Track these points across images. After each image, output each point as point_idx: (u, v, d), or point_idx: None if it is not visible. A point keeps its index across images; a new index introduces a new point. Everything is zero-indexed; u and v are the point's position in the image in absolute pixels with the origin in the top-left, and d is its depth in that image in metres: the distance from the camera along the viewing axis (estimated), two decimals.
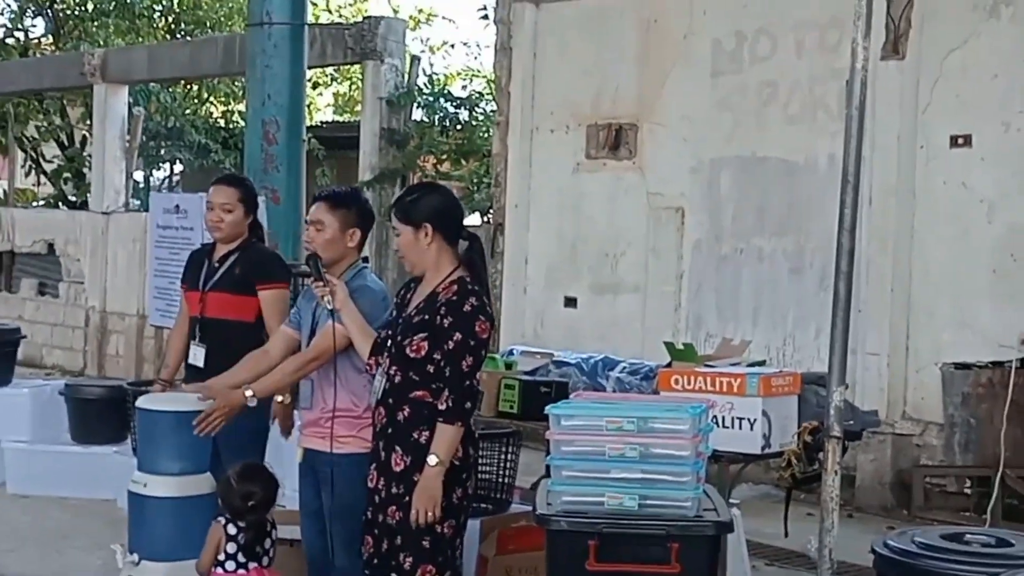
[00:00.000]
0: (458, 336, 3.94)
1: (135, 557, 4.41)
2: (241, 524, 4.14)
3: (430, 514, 3.89)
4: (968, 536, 3.55)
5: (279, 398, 4.97)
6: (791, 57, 8.52)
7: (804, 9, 8.40)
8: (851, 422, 4.65)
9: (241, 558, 4.11)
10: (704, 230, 8.94)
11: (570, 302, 9.74)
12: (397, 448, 4.01)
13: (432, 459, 3.89)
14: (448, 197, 4.24)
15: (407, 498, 3.97)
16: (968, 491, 7.72)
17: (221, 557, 4.11)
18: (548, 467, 3.57)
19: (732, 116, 8.81)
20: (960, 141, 7.82)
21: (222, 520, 4.14)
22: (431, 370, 3.97)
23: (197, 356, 5.20)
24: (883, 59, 7.89)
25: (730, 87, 8.82)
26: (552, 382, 5.30)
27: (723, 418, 4.47)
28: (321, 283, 4.26)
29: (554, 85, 9.92)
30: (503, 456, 5.42)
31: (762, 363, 5.65)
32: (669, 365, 5.13)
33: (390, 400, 4.04)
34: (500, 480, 5.44)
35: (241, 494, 4.21)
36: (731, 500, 4.39)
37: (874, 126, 7.48)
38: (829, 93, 8.24)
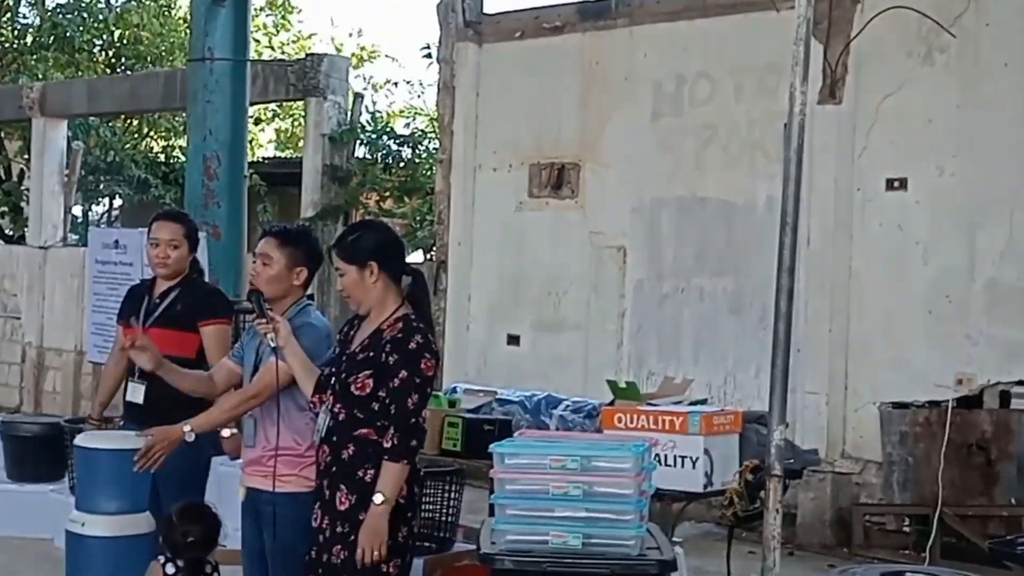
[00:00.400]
0: (404, 374, 3.94)
1: None
2: (180, 563, 4.10)
3: (376, 553, 3.87)
4: (908, 573, 3.60)
5: (225, 433, 4.93)
6: (730, 100, 8.64)
7: (743, 53, 8.53)
8: (791, 460, 4.69)
9: None
10: (645, 269, 9.01)
11: (513, 340, 9.76)
12: (342, 487, 3.99)
13: (378, 497, 3.88)
14: (389, 233, 4.25)
15: (352, 537, 3.95)
16: (907, 529, 7.82)
17: None
18: (492, 505, 3.57)
19: (672, 157, 8.91)
20: (896, 184, 7.97)
21: (161, 559, 4.10)
22: (376, 407, 3.97)
23: (136, 393, 5.15)
24: (820, 103, 8.03)
25: (670, 129, 8.93)
26: (496, 420, 5.30)
27: (665, 456, 4.49)
28: (263, 320, 4.24)
29: (497, 124, 9.98)
30: (446, 494, 5.43)
31: (704, 401, 5.69)
32: (612, 403, 5.15)
33: (334, 438, 4.03)
34: (443, 519, 5.45)
35: (182, 532, 4.17)
36: (674, 538, 4.41)
37: (812, 169, 7.58)
38: (767, 136, 8.37)
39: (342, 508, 3.98)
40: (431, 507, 5.30)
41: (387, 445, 3.91)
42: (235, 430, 4.88)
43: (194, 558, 4.16)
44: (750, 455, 4.75)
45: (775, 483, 3.97)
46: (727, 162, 8.64)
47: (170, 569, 4.09)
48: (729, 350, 8.54)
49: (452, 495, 5.45)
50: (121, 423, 5.47)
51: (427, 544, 5.24)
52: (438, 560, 5.09)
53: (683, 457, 4.52)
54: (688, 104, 8.85)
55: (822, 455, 7.16)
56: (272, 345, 4.21)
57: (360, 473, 3.97)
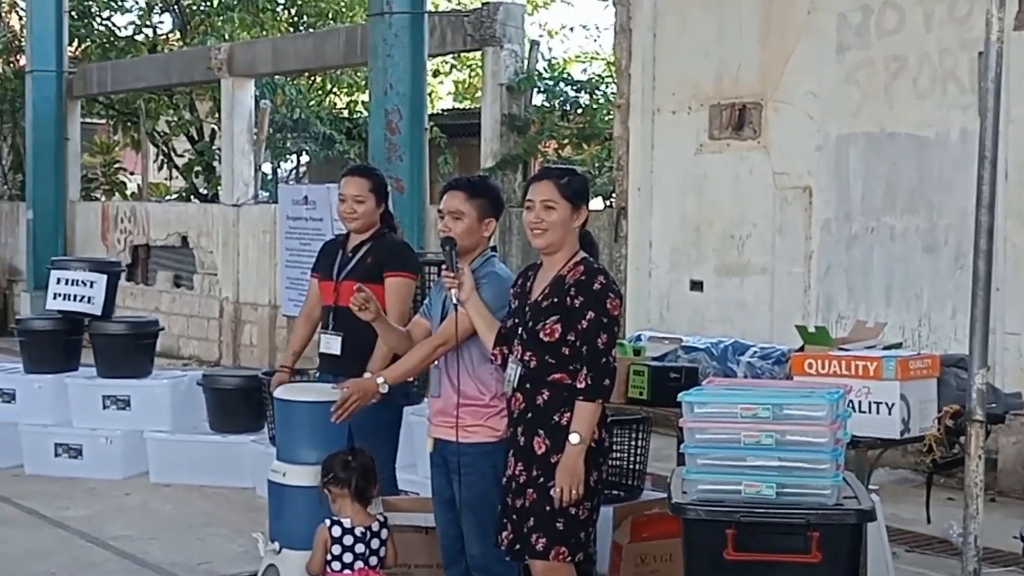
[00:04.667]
0: (591, 315, 3.98)
1: (276, 545, 4.50)
2: (345, 523, 4.17)
3: (573, 492, 3.92)
4: None
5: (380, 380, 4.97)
6: (919, 29, 8.29)
7: None
8: (993, 405, 4.52)
9: (347, 558, 4.16)
10: (832, 209, 8.77)
11: (696, 285, 9.64)
12: (540, 431, 4.04)
13: (574, 437, 3.93)
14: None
15: (542, 480, 4.01)
16: None
17: (328, 558, 4.16)
18: (682, 455, 3.55)
19: (859, 91, 8.61)
20: None
21: (327, 521, 4.19)
22: (567, 352, 4.01)
23: (331, 344, 5.30)
24: (1016, 29, 7.63)
25: (856, 62, 8.63)
26: (682, 368, 5.24)
27: (860, 403, 4.38)
28: (451, 274, 4.30)
29: (675, 65, 9.82)
30: (634, 442, 5.42)
31: (898, 345, 5.51)
32: (801, 349, 5.04)
33: (527, 385, 4.08)
34: (631, 467, 5.44)
35: (342, 460, 4.26)
36: (870, 486, 4.31)
37: (1008, 98, 7.23)
38: (960, 65, 8.01)
39: (539, 452, 4.04)
40: (619, 455, 5.30)
41: (580, 386, 3.96)
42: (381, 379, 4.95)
43: (351, 483, 4.21)
44: (949, 400, 4.60)
45: (977, 428, 3.82)
46: (917, 94, 8.31)
47: (336, 531, 4.17)
48: (923, 291, 8.26)
49: (639, 443, 5.43)
50: (316, 374, 5.64)
51: (615, 492, 5.25)
52: (628, 508, 5.09)
53: (879, 403, 4.40)
54: (875, 35, 8.53)
55: None
56: (455, 301, 4.26)
57: (556, 417, 4.02)
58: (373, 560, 4.21)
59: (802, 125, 8.93)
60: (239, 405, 7.82)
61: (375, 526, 4.24)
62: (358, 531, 4.18)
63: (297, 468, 4.52)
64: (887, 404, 4.38)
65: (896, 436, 4.44)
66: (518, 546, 4.10)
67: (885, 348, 4.96)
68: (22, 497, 7.44)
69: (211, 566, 6.01)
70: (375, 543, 4.22)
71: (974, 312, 3.89)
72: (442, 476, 4.49)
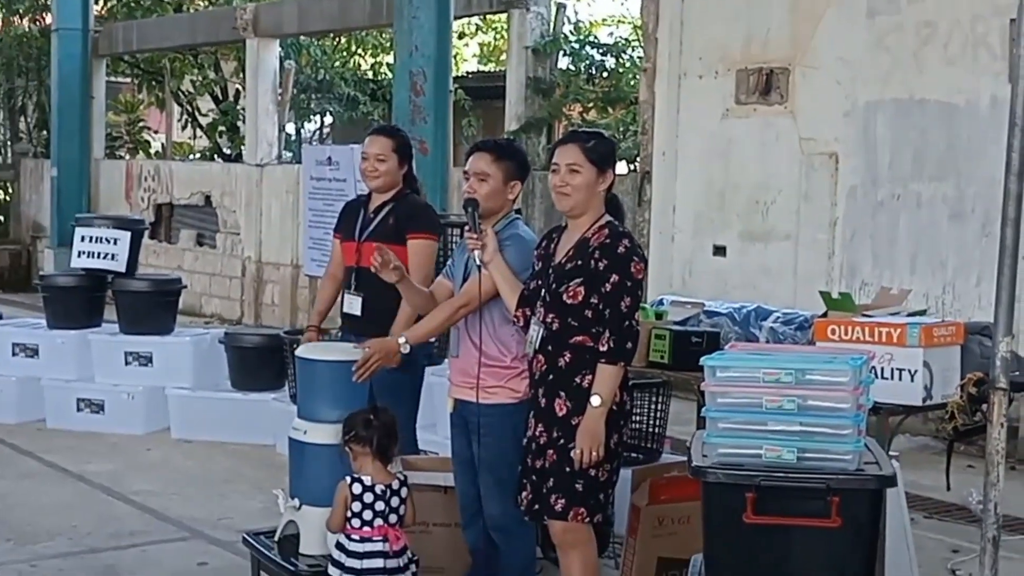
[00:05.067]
0: (615, 278, 3.97)
1: (296, 502, 4.52)
2: (366, 481, 4.19)
3: (594, 454, 3.93)
4: None
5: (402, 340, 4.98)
6: None
7: None
8: (1017, 373, 4.47)
9: (367, 516, 4.17)
10: (859, 176, 8.71)
11: (719, 250, 9.60)
12: (561, 393, 4.05)
13: (595, 399, 3.94)
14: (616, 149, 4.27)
15: (562, 441, 4.02)
16: None
17: (348, 515, 4.18)
18: (702, 418, 3.54)
19: (889, 57, 8.53)
20: None
21: (348, 479, 4.20)
22: (589, 315, 4.01)
23: (353, 305, 5.31)
24: None
25: (887, 27, 8.54)
26: (704, 332, 5.22)
27: (882, 369, 4.36)
28: (474, 235, 4.28)
29: (703, 29, 9.74)
30: (654, 406, 5.42)
31: (923, 312, 5.46)
32: (825, 315, 5.00)
33: (549, 347, 4.07)
34: (651, 430, 5.44)
35: (363, 417, 4.28)
36: (890, 452, 4.29)
37: None
38: (991, 31, 7.92)
39: (560, 414, 4.04)
40: (639, 418, 5.29)
41: (603, 348, 3.96)
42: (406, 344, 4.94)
43: (373, 442, 4.24)
44: (972, 367, 4.57)
45: (1000, 396, 3.79)
46: (948, 60, 8.22)
47: (356, 488, 4.18)
48: (949, 258, 8.20)
49: (660, 407, 5.43)
50: (339, 334, 5.65)
51: (634, 455, 5.25)
52: (646, 470, 5.09)
53: (901, 370, 4.37)
54: (905, 0, 8.43)
55: None
56: (479, 262, 4.26)
57: (578, 379, 4.02)
58: (393, 518, 4.23)
59: (830, 91, 8.85)
60: (261, 363, 7.86)
61: (395, 484, 4.26)
62: (378, 489, 4.19)
63: (318, 426, 4.53)
64: (910, 371, 4.35)
65: (918, 403, 4.41)
66: (537, 506, 4.11)
67: (909, 315, 4.92)
68: (44, 451, 7.51)
69: (231, 521, 6.05)
70: (395, 501, 4.23)
71: (1000, 280, 3.84)
72: (462, 436, 4.50)
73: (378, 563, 4.18)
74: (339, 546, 4.22)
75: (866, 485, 3.30)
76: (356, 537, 4.18)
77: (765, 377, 3.38)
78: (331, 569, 4.22)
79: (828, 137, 8.89)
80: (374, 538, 4.18)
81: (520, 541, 4.44)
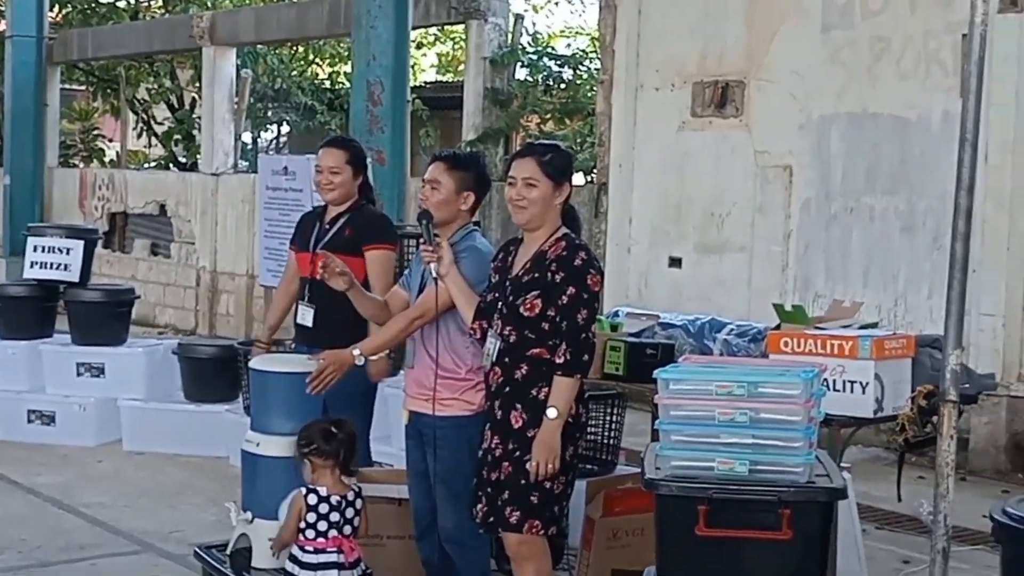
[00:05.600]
0: (571, 290, 3.98)
1: (248, 515, 4.49)
2: (322, 492, 4.17)
3: (550, 466, 3.93)
4: None
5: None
6: (904, 11, 8.29)
7: None
8: (967, 385, 4.53)
9: (322, 527, 4.16)
10: (813, 188, 8.78)
11: (675, 262, 9.65)
12: (517, 406, 4.05)
13: (551, 412, 3.94)
14: (573, 162, 4.28)
15: (518, 453, 4.01)
16: None
17: (302, 526, 4.16)
18: (656, 431, 3.55)
19: (843, 72, 8.62)
20: None
21: (303, 490, 4.18)
22: (546, 327, 4.01)
23: (306, 316, 5.28)
24: (1000, 12, 7.64)
25: (841, 42, 8.62)
26: (658, 344, 5.24)
27: (834, 381, 4.40)
28: (429, 248, 4.28)
29: (659, 42, 9.80)
30: (609, 417, 5.43)
31: (874, 325, 5.52)
32: (778, 327, 5.05)
33: (506, 359, 4.07)
34: (606, 441, 5.46)
35: (321, 428, 4.26)
36: (842, 464, 4.32)
37: (990, 82, 7.24)
38: (943, 48, 8.02)
39: (516, 426, 4.04)
40: (593, 430, 5.30)
41: (559, 361, 3.96)
42: (381, 354, 4.96)
43: (338, 455, 4.22)
44: (923, 380, 4.61)
45: (950, 408, 3.82)
46: (901, 75, 8.31)
47: (312, 499, 4.16)
48: (900, 271, 8.29)
49: (614, 418, 5.45)
50: (292, 346, 5.62)
51: (589, 466, 5.26)
52: (601, 482, 5.10)
53: (853, 382, 4.41)
54: (860, 15, 8.52)
55: (998, 379, 6.92)
56: (434, 275, 4.25)
57: (534, 392, 4.02)
58: (347, 529, 4.21)
59: (785, 104, 8.93)
60: (214, 374, 7.80)
61: (350, 495, 4.24)
62: (334, 500, 4.17)
63: (271, 438, 4.51)
64: (861, 383, 4.39)
65: (869, 415, 4.45)
66: (492, 519, 4.10)
67: (861, 327, 4.97)
68: None
69: (183, 534, 6.00)
70: (349, 512, 4.22)
71: (950, 293, 3.88)
72: (416, 448, 4.49)
73: (332, 574, 4.16)
74: (292, 558, 4.20)
75: (817, 497, 3.32)
76: (310, 548, 4.17)
77: (718, 390, 3.39)
78: None
79: (783, 150, 8.97)
80: (328, 549, 4.16)
81: (474, 553, 4.43)
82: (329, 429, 4.24)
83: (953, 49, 7.87)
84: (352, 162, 5.31)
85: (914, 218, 8.22)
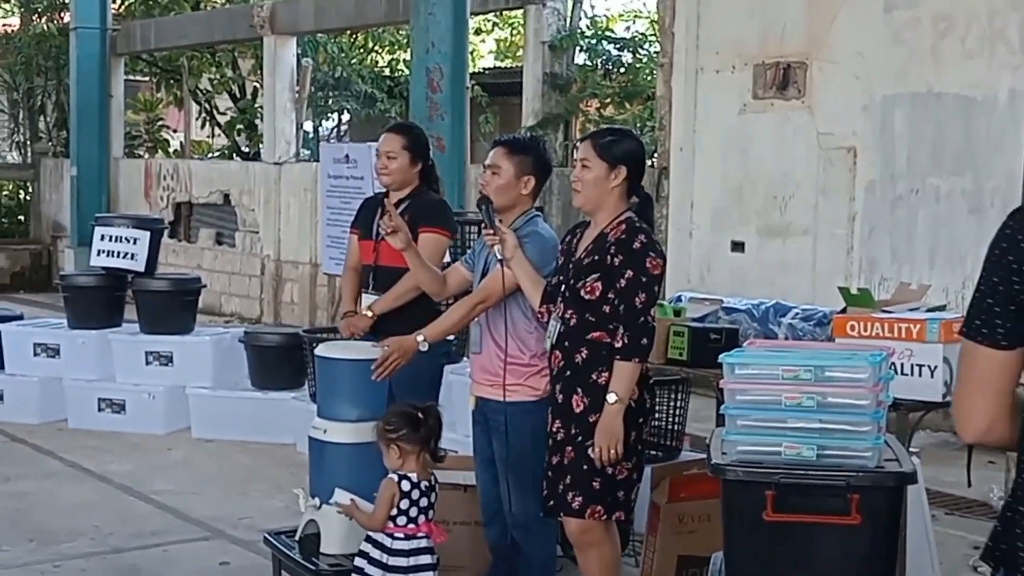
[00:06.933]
0: (630, 273, 3.97)
1: (316, 501, 4.53)
2: (413, 478, 4.16)
3: (612, 452, 3.92)
4: None
5: (368, 313, 5.06)
6: None
7: None
8: None
9: (413, 512, 4.13)
10: (877, 170, 8.68)
11: (737, 246, 9.59)
12: (578, 389, 4.05)
13: (611, 397, 3.94)
14: (641, 149, 4.26)
15: (580, 439, 4.01)
16: None
17: (394, 512, 4.14)
18: (721, 416, 3.54)
19: (906, 51, 8.50)
20: None
21: (395, 477, 4.17)
22: (607, 310, 4.01)
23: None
24: None
25: (904, 21, 8.50)
26: (722, 329, 5.22)
27: (902, 365, 4.35)
28: (491, 231, 4.29)
29: (719, 24, 9.72)
30: (673, 403, 5.41)
31: (942, 308, 5.45)
32: (844, 311, 5.00)
33: (566, 343, 4.08)
34: (670, 427, 5.44)
35: (411, 415, 4.23)
36: (911, 448, 4.28)
37: None
38: (1009, 26, 7.88)
39: (577, 411, 4.04)
40: (658, 415, 5.29)
41: (618, 345, 3.95)
42: (369, 311, 5.06)
43: (428, 440, 4.19)
44: None
45: (1019, 391, 3.78)
46: (965, 54, 8.18)
47: (406, 486, 4.13)
48: (968, 253, 8.16)
49: (679, 404, 5.43)
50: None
51: (654, 452, 5.24)
52: (666, 468, 5.08)
53: (921, 366, 4.36)
54: None
55: None
56: (499, 257, 4.26)
57: (594, 376, 4.02)
58: (431, 514, 4.20)
59: (848, 85, 8.83)
60: (280, 362, 7.88)
61: (432, 480, 4.24)
62: (423, 485, 4.17)
63: (338, 425, 4.55)
64: (930, 367, 4.34)
65: (938, 399, 4.40)
66: (552, 503, 4.11)
67: (928, 310, 4.91)
68: (66, 451, 7.55)
69: (252, 520, 6.08)
70: (433, 497, 4.21)
71: None
72: (483, 435, 4.51)
73: (425, 559, 4.14)
74: (379, 545, 4.15)
75: (886, 482, 3.29)
76: (401, 535, 4.12)
77: (784, 374, 3.37)
78: (370, 569, 4.14)
79: (846, 131, 8.87)
80: (419, 535, 4.15)
81: (541, 540, 4.45)
82: (415, 415, 4.21)
83: (1019, 27, 7.73)
84: (410, 147, 5.30)
85: (981, 199, 8.10)
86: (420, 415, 4.21)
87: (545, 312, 4.21)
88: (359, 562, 4.18)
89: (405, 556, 4.13)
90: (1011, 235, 2.29)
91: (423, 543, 4.15)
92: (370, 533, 4.18)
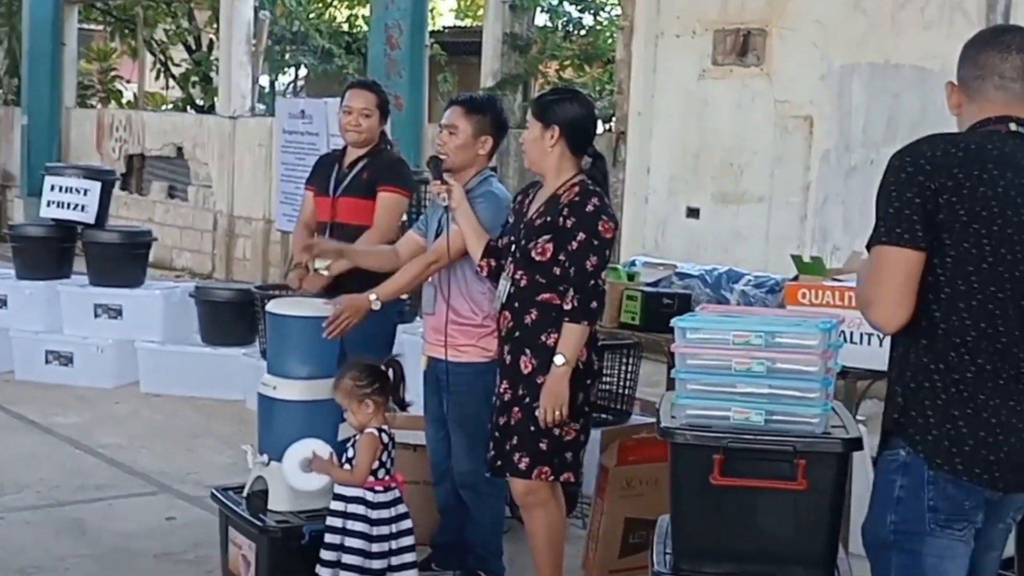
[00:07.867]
0: (581, 236, 3.96)
1: (264, 458, 4.51)
2: (391, 432, 4.15)
3: (557, 413, 3.93)
4: None
5: (322, 270, 5.05)
6: None
7: None
8: None
9: (388, 464, 4.14)
10: (833, 139, 8.71)
11: (692, 212, 9.61)
12: (526, 351, 4.05)
13: (559, 359, 3.93)
14: (586, 109, 4.18)
15: (528, 400, 4.02)
16: None
17: (374, 466, 4.12)
18: (672, 380, 3.54)
19: (865, 20, 8.52)
20: None
21: (375, 431, 4.14)
22: (557, 272, 4.00)
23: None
24: None
25: None
26: (675, 294, 5.23)
27: (852, 333, 4.38)
28: (439, 182, 4.29)
29: None
30: (624, 367, 5.43)
31: None
32: (796, 278, 5.02)
33: (516, 304, 4.07)
34: (621, 391, 5.46)
35: (376, 369, 4.22)
36: (858, 416, 4.32)
37: None
38: None
39: (525, 372, 4.04)
40: (609, 379, 5.31)
41: (567, 307, 3.95)
42: (326, 270, 5.03)
43: (397, 392, 4.19)
44: None
45: None
46: (924, 24, 8.21)
47: (385, 438, 4.11)
48: None
49: (630, 368, 5.45)
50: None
51: (604, 416, 5.27)
52: (615, 432, 5.11)
53: (870, 335, 4.39)
54: None
55: None
56: (444, 204, 4.25)
57: (543, 337, 4.01)
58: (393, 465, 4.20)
59: (806, 53, 8.84)
60: (231, 318, 7.82)
61: (391, 432, 4.23)
62: (395, 437, 4.19)
63: (288, 382, 4.51)
64: (878, 336, 4.37)
65: (885, 368, 4.43)
66: (499, 463, 4.11)
67: None
68: (12, 403, 7.47)
69: (199, 476, 6.05)
70: (393, 450, 4.21)
71: None
72: (434, 395, 4.51)
73: (403, 508, 4.15)
74: (359, 500, 4.10)
75: (832, 448, 3.31)
76: (380, 488, 4.11)
77: (735, 339, 3.37)
78: (353, 525, 4.10)
79: (803, 100, 8.89)
80: (393, 485, 4.15)
81: (489, 500, 4.46)
82: (380, 368, 4.20)
83: None
84: (380, 106, 5.30)
85: None
86: (384, 367, 4.21)
87: (485, 265, 4.21)
88: (333, 521, 4.11)
89: (387, 507, 4.12)
90: (912, 160, 2.98)
91: (397, 493, 4.15)
92: (343, 490, 4.14)
